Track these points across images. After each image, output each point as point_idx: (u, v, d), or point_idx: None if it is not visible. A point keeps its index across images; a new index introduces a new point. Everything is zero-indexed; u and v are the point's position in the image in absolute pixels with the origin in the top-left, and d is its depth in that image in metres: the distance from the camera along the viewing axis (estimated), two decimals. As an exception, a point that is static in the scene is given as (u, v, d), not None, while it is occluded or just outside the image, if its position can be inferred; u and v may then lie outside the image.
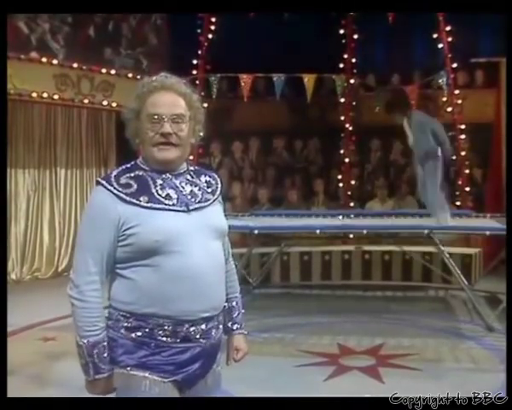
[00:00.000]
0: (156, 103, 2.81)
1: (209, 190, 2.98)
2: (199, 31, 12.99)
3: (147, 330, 2.74)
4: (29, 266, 12.18)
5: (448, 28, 12.27)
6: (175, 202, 2.81)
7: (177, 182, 2.88)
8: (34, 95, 11.23)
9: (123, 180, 2.81)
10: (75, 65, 11.70)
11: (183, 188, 2.88)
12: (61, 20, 11.85)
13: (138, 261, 2.75)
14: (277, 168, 14.15)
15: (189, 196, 2.87)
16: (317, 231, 8.69)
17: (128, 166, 2.91)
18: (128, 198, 2.76)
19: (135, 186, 2.80)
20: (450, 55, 12.36)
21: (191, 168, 3.00)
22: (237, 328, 3.16)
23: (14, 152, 11.66)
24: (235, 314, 3.16)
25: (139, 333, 2.75)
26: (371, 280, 10.78)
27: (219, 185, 3.05)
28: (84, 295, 2.74)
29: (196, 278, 2.75)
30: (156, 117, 2.79)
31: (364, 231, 8.93)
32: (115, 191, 2.77)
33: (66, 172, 12.71)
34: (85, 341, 2.73)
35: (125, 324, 2.77)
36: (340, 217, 10.23)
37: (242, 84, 12.58)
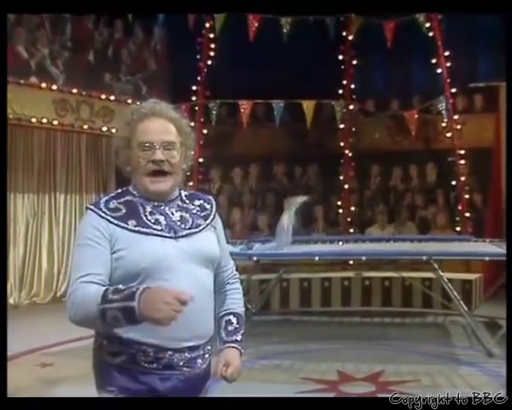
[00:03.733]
0: (147, 130, 2.78)
1: (202, 214, 2.92)
2: (198, 57, 13.02)
3: (130, 355, 2.70)
4: (27, 291, 12.14)
5: (447, 53, 12.31)
6: (163, 227, 2.77)
7: (167, 208, 2.84)
8: (33, 120, 11.27)
9: (112, 205, 2.79)
10: (75, 90, 11.76)
11: (173, 214, 2.83)
12: (61, 45, 11.92)
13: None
14: (277, 194, 14.10)
15: (179, 223, 2.82)
16: (316, 258, 8.66)
17: (119, 191, 2.89)
18: (116, 221, 2.74)
19: (123, 210, 2.78)
20: (449, 80, 12.39)
21: (184, 193, 2.96)
22: (231, 341, 2.96)
23: (13, 177, 11.63)
24: (232, 328, 2.98)
25: (122, 358, 2.71)
26: (371, 306, 10.73)
27: (214, 210, 2.99)
28: (78, 290, 2.62)
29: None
30: (147, 145, 2.76)
31: (363, 258, 8.90)
32: (103, 215, 2.75)
33: (65, 197, 12.69)
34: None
35: (109, 348, 2.73)
36: (340, 243, 10.21)
37: (242, 110, 12.60)
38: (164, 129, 2.80)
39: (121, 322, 2.51)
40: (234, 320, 3.00)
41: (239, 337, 2.98)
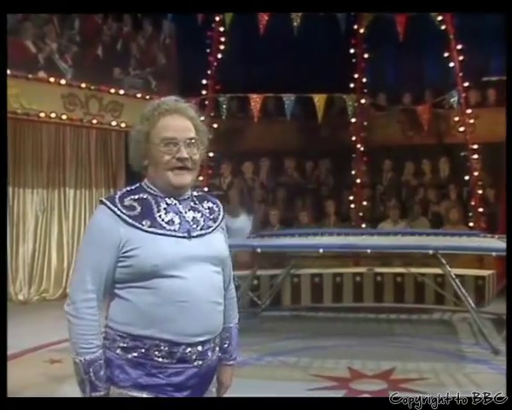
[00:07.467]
0: (170, 127, 2.84)
1: (211, 216, 3.00)
2: (208, 51, 12.96)
3: (143, 350, 2.75)
4: (37, 287, 12.11)
5: (459, 47, 12.19)
6: (177, 227, 2.84)
7: (181, 207, 2.91)
8: (42, 115, 11.19)
9: (127, 202, 2.83)
10: (83, 85, 11.70)
11: (186, 214, 2.90)
12: (70, 40, 11.86)
13: (136, 283, 2.76)
14: (288, 189, 14.05)
15: (192, 223, 2.89)
16: (320, 250, 8.57)
17: (132, 188, 2.93)
18: (131, 221, 2.79)
19: (138, 209, 2.82)
20: (461, 74, 12.27)
21: (194, 194, 3.03)
22: (225, 358, 3.10)
23: (22, 172, 11.64)
24: (226, 345, 3.11)
25: (135, 354, 2.76)
26: (383, 303, 10.64)
27: (221, 213, 3.07)
28: (80, 313, 2.75)
29: (193, 302, 2.77)
30: (173, 141, 2.82)
31: (368, 251, 8.78)
32: (118, 212, 2.79)
33: (74, 192, 12.67)
34: (82, 358, 2.74)
35: (122, 344, 2.78)
36: (345, 236, 10.12)
37: (252, 104, 12.57)
38: (186, 127, 2.87)
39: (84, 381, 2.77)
40: (229, 336, 3.13)
41: (233, 354, 3.15)
